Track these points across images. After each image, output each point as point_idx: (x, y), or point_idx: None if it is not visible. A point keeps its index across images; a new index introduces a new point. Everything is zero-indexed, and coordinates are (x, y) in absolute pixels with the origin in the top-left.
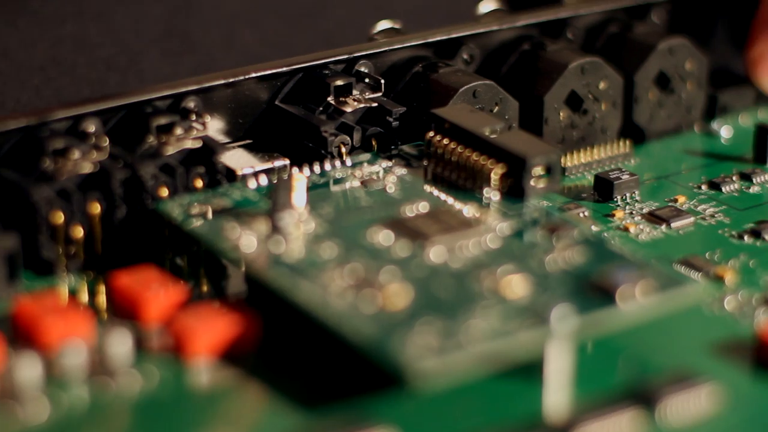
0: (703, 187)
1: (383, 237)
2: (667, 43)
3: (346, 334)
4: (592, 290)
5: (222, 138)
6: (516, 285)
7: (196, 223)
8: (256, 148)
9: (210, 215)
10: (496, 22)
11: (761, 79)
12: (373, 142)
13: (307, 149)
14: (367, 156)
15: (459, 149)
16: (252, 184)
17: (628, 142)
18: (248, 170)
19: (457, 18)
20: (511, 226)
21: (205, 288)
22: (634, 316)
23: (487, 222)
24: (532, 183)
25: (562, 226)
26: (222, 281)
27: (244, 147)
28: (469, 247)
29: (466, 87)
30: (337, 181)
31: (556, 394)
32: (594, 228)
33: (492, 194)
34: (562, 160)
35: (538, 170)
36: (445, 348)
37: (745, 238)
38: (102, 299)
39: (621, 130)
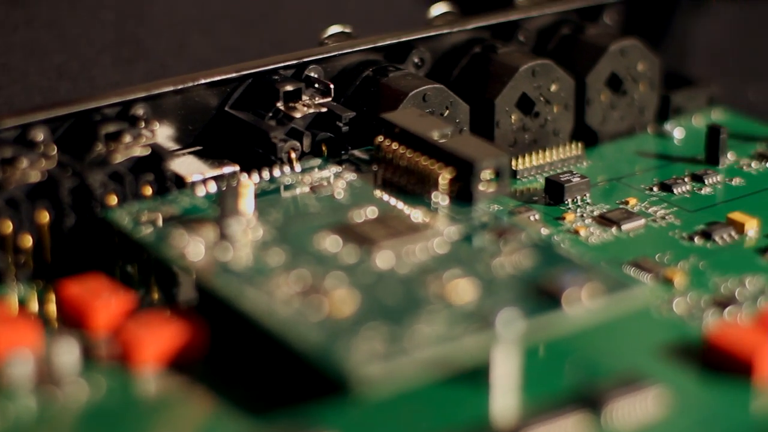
0: (655, 188)
1: (331, 243)
2: (618, 45)
3: (291, 341)
4: (538, 294)
5: (172, 145)
6: (463, 290)
7: (145, 231)
8: (206, 155)
9: (159, 223)
10: (446, 26)
11: None
12: (323, 148)
13: (257, 155)
14: (317, 161)
15: (408, 154)
16: (201, 191)
17: (580, 145)
18: (198, 177)
19: (409, 22)
20: (459, 230)
21: (156, 296)
22: (581, 320)
23: (436, 227)
24: (480, 187)
25: (510, 230)
26: (173, 289)
27: (194, 153)
28: (417, 252)
29: (415, 91)
30: (286, 187)
31: (503, 398)
32: (544, 231)
33: (441, 199)
34: (514, 163)
35: (486, 174)
36: (390, 354)
37: (696, 239)
38: (51, 308)
39: (573, 133)
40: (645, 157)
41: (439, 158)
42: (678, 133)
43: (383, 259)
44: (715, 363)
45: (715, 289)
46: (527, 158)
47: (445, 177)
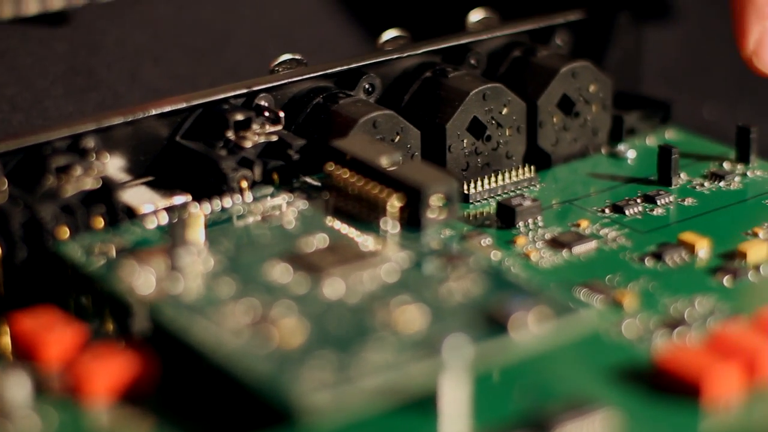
0: (607, 210)
1: (281, 272)
2: (569, 67)
3: (239, 373)
4: (486, 320)
5: (123, 176)
6: (411, 317)
7: (97, 264)
8: (158, 185)
9: (111, 255)
10: (397, 51)
11: (766, 63)
12: (275, 176)
13: (209, 185)
14: (268, 190)
15: (358, 181)
16: (152, 221)
17: (532, 168)
18: (149, 208)
19: (360, 48)
20: (409, 257)
21: (110, 327)
22: (529, 345)
23: (386, 254)
24: (429, 213)
25: (459, 256)
26: (127, 320)
27: (146, 184)
28: (367, 280)
29: (365, 118)
30: (238, 217)
31: (452, 426)
32: (495, 255)
33: (391, 226)
34: (466, 187)
35: (435, 200)
36: (338, 382)
37: (647, 261)
38: (4, 341)
39: (526, 155)
40: (598, 179)
41: (389, 185)
42: (631, 153)
43: (333, 287)
44: (664, 385)
45: (664, 310)
46: (480, 182)
47: (394, 204)
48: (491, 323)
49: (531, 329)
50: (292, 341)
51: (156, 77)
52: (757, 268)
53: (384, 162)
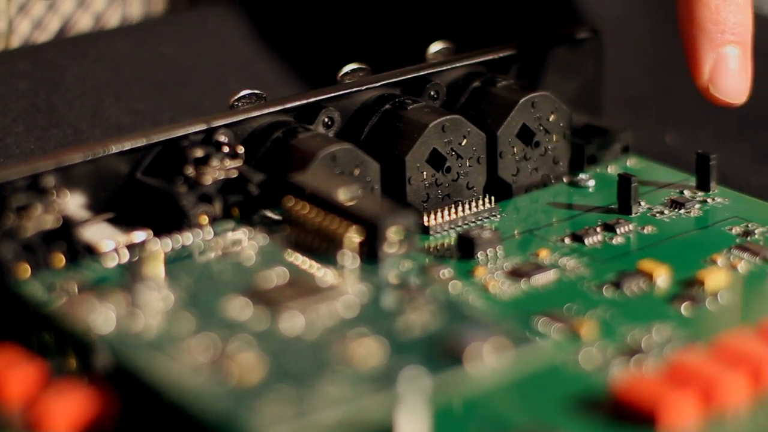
0: (567, 240)
1: (240, 308)
2: (528, 97)
3: (197, 411)
4: (442, 353)
5: (83, 213)
6: (369, 351)
7: (57, 302)
8: (118, 222)
9: (72, 292)
10: (355, 84)
11: (724, 88)
12: (235, 211)
13: (169, 221)
14: (228, 225)
15: (317, 215)
16: (113, 259)
17: (492, 198)
18: (110, 245)
19: (322, 82)
20: (367, 291)
21: (72, 365)
22: (485, 376)
23: (344, 288)
24: (386, 247)
25: (417, 289)
26: (89, 357)
27: (106, 221)
28: (325, 315)
29: (324, 152)
30: (198, 252)
31: None
32: (454, 287)
33: (350, 259)
34: (426, 219)
35: (393, 234)
36: (295, 416)
37: (605, 290)
38: None
39: (487, 186)
40: (559, 208)
41: (348, 219)
42: (592, 182)
43: (292, 322)
44: (621, 414)
45: (622, 339)
46: (440, 214)
47: (352, 238)
48: (448, 355)
49: (487, 360)
50: (250, 377)
51: (117, 113)
52: (715, 295)
53: (342, 196)
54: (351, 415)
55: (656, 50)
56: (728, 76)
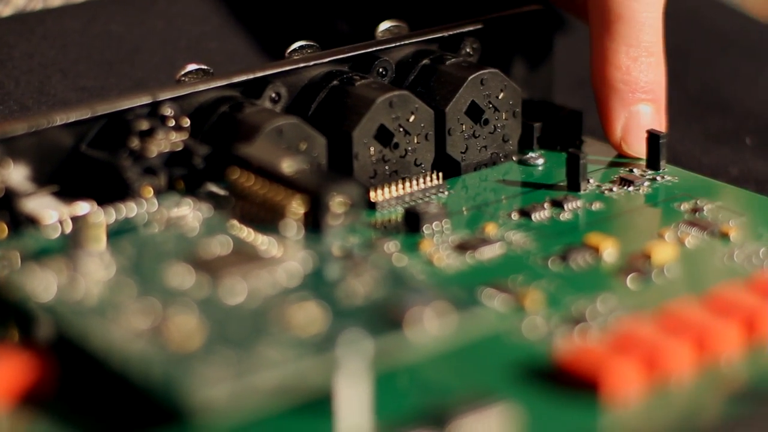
0: (514, 215)
1: (182, 277)
2: (477, 75)
3: (135, 376)
4: (383, 318)
5: (27, 185)
6: (310, 318)
7: None
8: (63, 195)
9: (13, 263)
10: (303, 60)
11: (635, 145)
12: (180, 184)
13: (114, 193)
14: (173, 197)
15: (261, 187)
16: (56, 229)
17: (440, 174)
18: (53, 216)
19: (271, 59)
20: (310, 260)
21: (15, 334)
22: (426, 341)
23: (287, 257)
24: (329, 218)
25: (360, 260)
26: (31, 327)
27: (50, 193)
28: (267, 283)
29: (270, 126)
30: (141, 224)
31: (349, 424)
32: (399, 260)
33: (293, 230)
34: (373, 194)
35: (336, 205)
36: (232, 377)
37: (551, 263)
38: None
39: (436, 163)
40: (507, 185)
41: (292, 191)
42: (542, 161)
43: (233, 290)
44: (564, 382)
45: (567, 310)
46: (387, 189)
47: (296, 208)
48: (389, 320)
49: (428, 324)
50: (191, 343)
51: (64, 90)
52: (661, 268)
53: (286, 167)
54: (290, 379)
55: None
56: (639, 134)
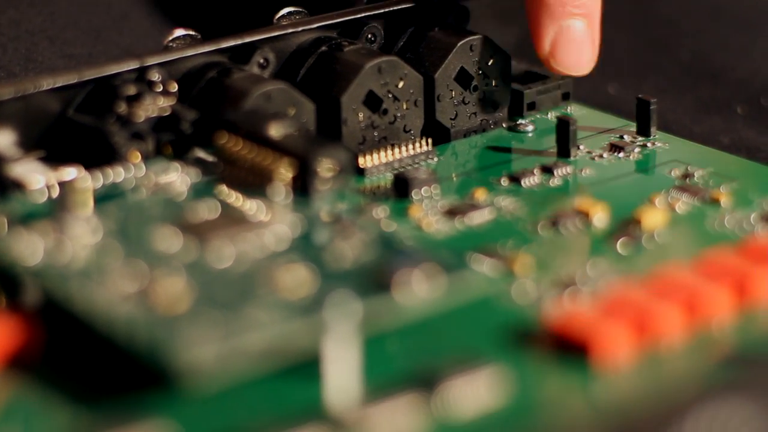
0: (504, 181)
1: (170, 241)
2: (466, 40)
3: (122, 339)
4: (372, 281)
5: (14, 151)
6: (299, 281)
7: None
8: (50, 160)
9: (0, 228)
10: (291, 26)
11: (563, 60)
12: (168, 149)
13: (101, 158)
14: (161, 162)
15: (249, 151)
16: (43, 194)
17: (429, 141)
18: (40, 182)
19: (257, 23)
20: (298, 224)
21: (2, 299)
22: (414, 305)
23: (275, 221)
24: (318, 182)
25: (349, 224)
26: (19, 291)
27: (37, 158)
28: (255, 247)
29: (259, 91)
30: (129, 189)
31: (338, 384)
32: (388, 226)
33: (281, 194)
34: (362, 160)
35: (324, 169)
36: (220, 338)
37: (540, 228)
38: None
39: (426, 130)
40: (497, 152)
41: (280, 156)
42: (531, 128)
43: (221, 253)
44: (555, 345)
45: (556, 274)
46: (376, 155)
47: (284, 172)
48: (377, 283)
49: (417, 286)
50: (178, 307)
51: (51, 57)
52: (652, 233)
53: (274, 131)
54: (278, 340)
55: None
56: (568, 49)
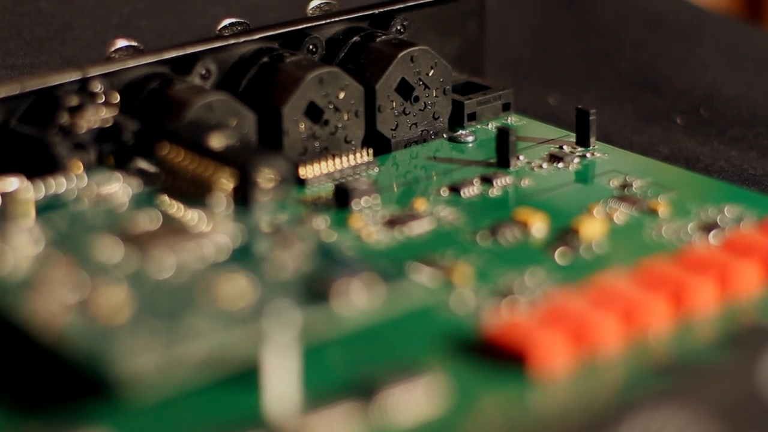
0: (444, 191)
1: (111, 251)
2: (407, 52)
3: (63, 350)
4: (311, 291)
5: None
6: (238, 290)
7: None
8: None
9: None
10: (233, 36)
11: None
12: (110, 159)
13: (43, 169)
14: (103, 173)
15: (191, 163)
16: None
17: (370, 151)
18: None
19: (200, 34)
20: (238, 235)
21: None
22: (353, 315)
23: (216, 232)
24: (258, 192)
25: (289, 235)
26: None
27: None
28: (196, 257)
29: (200, 102)
30: (71, 199)
31: (276, 395)
32: (329, 236)
33: (222, 204)
34: (303, 171)
35: (265, 180)
36: (160, 347)
37: (479, 238)
38: None
39: (366, 140)
40: (438, 163)
41: (221, 166)
42: (472, 138)
43: (162, 264)
44: (492, 354)
45: (495, 283)
46: (317, 165)
47: (224, 183)
48: (317, 292)
49: (356, 296)
50: (118, 317)
51: None
52: (589, 243)
53: (215, 143)
54: (218, 350)
55: (540, 15)
56: None
